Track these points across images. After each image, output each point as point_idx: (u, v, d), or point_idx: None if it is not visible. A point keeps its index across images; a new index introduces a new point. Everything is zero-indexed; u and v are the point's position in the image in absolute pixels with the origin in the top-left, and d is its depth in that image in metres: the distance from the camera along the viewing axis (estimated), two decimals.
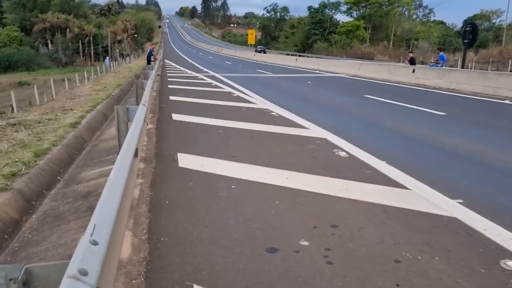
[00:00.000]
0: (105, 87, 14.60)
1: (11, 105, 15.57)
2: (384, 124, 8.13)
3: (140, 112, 4.54)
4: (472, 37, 17.47)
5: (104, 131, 8.07)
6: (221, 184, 4.39)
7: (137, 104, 8.64)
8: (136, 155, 3.44)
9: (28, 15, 77.73)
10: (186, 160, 5.36)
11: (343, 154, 5.64)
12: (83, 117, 8.30)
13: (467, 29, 17.74)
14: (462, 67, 19.27)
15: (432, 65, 18.35)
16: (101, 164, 5.49)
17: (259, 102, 10.79)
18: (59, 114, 8.52)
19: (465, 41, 17.73)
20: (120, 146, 4.18)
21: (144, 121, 4.82)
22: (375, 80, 19.09)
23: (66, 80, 23.02)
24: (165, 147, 6.09)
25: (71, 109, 9.10)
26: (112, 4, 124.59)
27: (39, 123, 7.46)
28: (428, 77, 16.72)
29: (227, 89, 14.07)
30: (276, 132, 7.05)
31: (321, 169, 4.94)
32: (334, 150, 5.82)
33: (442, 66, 17.68)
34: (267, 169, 4.92)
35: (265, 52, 56.48)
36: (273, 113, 9.03)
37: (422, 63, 46.96)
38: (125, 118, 4.94)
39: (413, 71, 17.65)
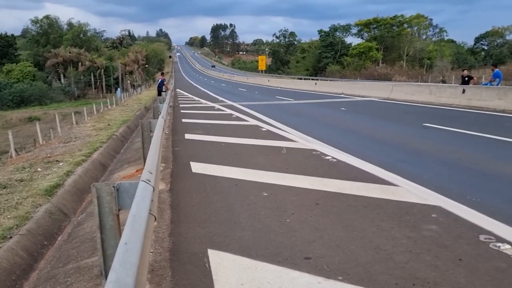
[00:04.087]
0: (108, 124, 12.46)
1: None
2: (493, 169, 5.67)
3: (141, 203, 2.20)
4: None
5: None
6: None
7: (143, 159, 6.32)
8: None
9: (41, 51, 78.26)
10: (230, 271, 2.98)
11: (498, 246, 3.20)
12: (70, 173, 6.03)
13: None
14: None
15: (486, 84, 15.86)
16: (79, 275, 3.14)
17: (300, 139, 8.43)
18: (39, 169, 6.27)
19: None
20: None
21: (150, 213, 2.47)
22: (415, 103, 16.69)
23: (73, 114, 21.23)
24: (186, 239, 3.71)
25: (57, 160, 6.85)
26: (123, 37, 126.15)
27: (4, 188, 5.20)
28: (484, 97, 14.23)
29: (252, 121, 11.79)
30: (353, 195, 4.64)
31: None
32: (480, 238, 3.37)
33: (497, 84, 15.21)
34: None
35: (213, 66, 55.27)
36: (327, 157, 6.64)
37: (443, 82, 44.69)
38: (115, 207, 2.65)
39: (463, 91, 15.20)
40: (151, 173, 2.87)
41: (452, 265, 2.93)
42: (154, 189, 2.68)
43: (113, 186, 2.67)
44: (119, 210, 2.74)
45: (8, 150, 18.46)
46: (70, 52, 74.46)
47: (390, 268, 2.93)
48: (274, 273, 2.93)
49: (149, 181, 2.62)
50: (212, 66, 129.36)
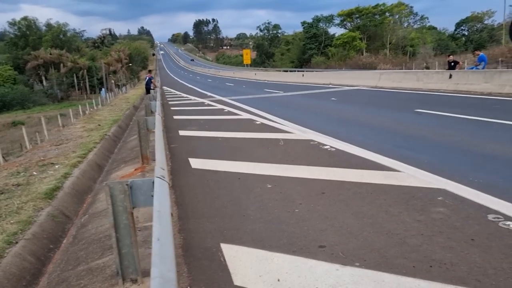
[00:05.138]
0: (99, 124, 12.28)
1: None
2: (490, 150, 5.75)
3: (162, 199, 2.17)
4: None
5: (98, 194, 5.68)
6: None
7: (141, 157, 6.20)
8: None
9: (21, 53, 76.52)
10: (246, 263, 2.97)
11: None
12: (68, 175, 5.92)
13: None
14: None
15: (472, 68, 16.08)
16: (92, 276, 3.10)
17: (295, 131, 8.44)
18: (35, 173, 6.15)
19: None
20: None
21: None
22: (404, 90, 16.85)
23: (59, 117, 20.85)
24: (196, 234, 3.69)
25: (52, 163, 6.73)
26: (104, 37, 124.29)
27: (1, 194, 5.08)
28: (471, 81, 14.42)
29: (245, 115, 11.75)
30: (358, 182, 4.66)
31: None
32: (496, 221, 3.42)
33: (483, 68, 15.43)
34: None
35: (193, 60, 55.80)
36: (326, 147, 6.66)
37: (427, 68, 45.22)
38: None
39: (450, 76, 15.38)
40: (163, 169, 2.83)
41: (466, 246, 2.97)
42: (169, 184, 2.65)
43: (126, 184, 2.64)
44: (133, 208, 2.71)
45: None
46: (50, 54, 73.04)
47: (405, 251, 2.96)
48: (291, 263, 2.93)
49: (164, 177, 2.59)
50: (191, 60, 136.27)
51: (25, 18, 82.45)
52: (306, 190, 4.52)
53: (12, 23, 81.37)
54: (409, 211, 3.69)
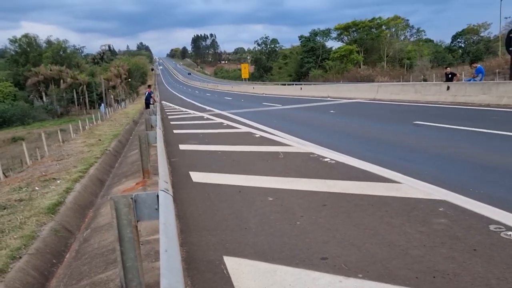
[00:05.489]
0: (99, 139, 12.32)
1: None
2: (489, 161, 5.79)
3: (167, 212, 2.20)
4: None
5: (100, 208, 5.69)
6: None
7: (142, 171, 6.23)
8: None
9: (21, 70, 77.05)
10: (249, 276, 2.97)
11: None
12: (69, 190, 5.94)
13: (511, 35, 15.72)
14: (510, 78, 17.11)
15: (469, 80, 16.23)
16: None
17: (295, 143, 8.48)
18: (37, 188, 6.17)
19: (511, 49, 15.68)
20: None
21: None
22: (402, 102, 16.98)
23: (59, 132, 20.90)
24: (199, 247, 3.69)
25: (54, 178, 6.74)
26: (104, 53, 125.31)
27: (4, 209, 5.09)
28: (469, 93, 14.56)
29: (244, 128, 11.81)
30: (358, 194, 4.69)
31: None
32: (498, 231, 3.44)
33: (481, 80, 15.59)
34: None
35: (189, 74, 56.75)
36: (326, 159, 6.70)
37: (424, 80, 45.60)
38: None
39: (448, 88, 15.52)
40: (167, 182, 2.86)
41: (468, 256, 2.98)
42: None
43: (131, 198, 2.66)
44: (137, 222, 2.73)
45: None
46: (51, 70, 73.52)
47: (408, 263, 2.97)
48: (294, 275, 2.94)
49: (167, 190, 2.62)
50: (188, 74, 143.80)
51: (26, 35, 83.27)
52: (307, 203, 4.54)
53: (13, 40, 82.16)
54: (410, 222, 3.71)
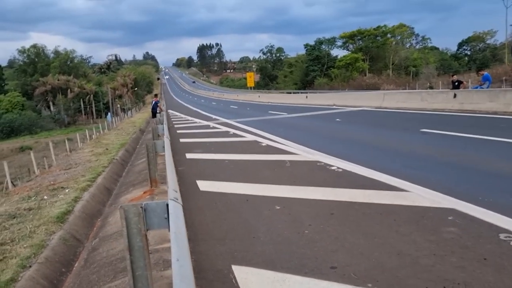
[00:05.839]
0: (107, 149, 12.41)
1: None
2: (497, 169, 5.76)
3: (177, 221, 2.22)
4: None
5: (108, 217, 5.72)
6: None
7: (150, 180, 6.26)
8: None
9: (29, 80, 78.09)
10: (258, 285, 2.97)
11: None
12: (78, 199, 5.98)
13: None
14: None
15: (476, 88, 16.18)
16: None
17: (301, 152, 8.49)
18: (45, 197, 6.22)
19: None
20: None
21: None
22: (408, 110, 16.93)
23: (66, 141, 21.10)
24: (207, 257, 3.70)
25: (62, 187, 6.80)
26: (110, 62, 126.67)
27: (14, 218, 5.14)
28: (476, 100, 14.49)
29: (250, 137, 11.85)
30: (366, 203, 4.67)
31: None
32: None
33: (487, 87, 15.53)
34: None
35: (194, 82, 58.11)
36: (332, 168, 6.69)
37: (430, 88, 45.47)
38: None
39: (455, 96, 15.48)
40: (176, 191, 2.88)
41: (478, 265, 2.96)
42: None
43: (141, 207, 2.68)
44: (146, 230, 2.75)
45: (1, 181, 18.21)
46: (58, 80, 74.43)
47: (417, 272, 2.96)
48: (303, 284, 2.94)
49: (177, 199, 2.64)
50: (192, 82, 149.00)
51: (34, 46, 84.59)
52: (314, 211, 4.54)
53: (22, 51, 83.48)
54: (420, 231, 3.69)
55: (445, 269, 2.95)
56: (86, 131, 22.54)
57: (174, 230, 1.99)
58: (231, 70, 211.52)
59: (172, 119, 24.30)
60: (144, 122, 28.01)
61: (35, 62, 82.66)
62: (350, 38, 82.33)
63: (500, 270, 2.86)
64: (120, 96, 79.46)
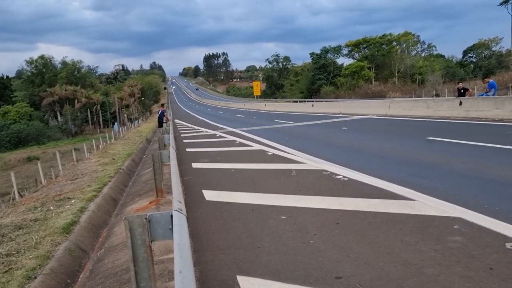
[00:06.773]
0: (113, 158, 12.49)
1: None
2: (504, 177, 5.71)
3: (181, 232, 2.23)
4: None
5: (114, 228, 5.75)
6: None
7: (156, 190, 6.28)
8: None
9: (37, 90, 79.05)
10: None
11: None
12: (84, 209, 6.02)
13: None
14: None
15: (482, 95, 16.10)
16: None
17: (307, 161, 8.48)
18: (51, 208, 6.27)
19: None
20: None
21: None
22: (414, 118, 16.87)
23: (73, 151, 21.26)
24: (212, 267, 3.70)
25: (68, 197, 6.85)
26: (117, 72, 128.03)
27: (20, 229, 5.18)
28: (482, 108, 14.41)
29: (256, 146, 11.87)
30: (372, 212, 4.66)
31: None
32: None
33: (493, 94, 15.45)
34: None
35: (197, 89, 58.96)
36: (338, 177, 6.68)
37: (436, 95, 45.31)
38: None
39: (461, 103, 15.40)
40: (181, 202, 2.90)
41: (485, 275, 2.93)
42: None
43: (145, 218, 2.70)
44: (151, 242, 2.76)
45: (9, 191, 18.38)
46: (65, 90, 75.27)
47: (423, 282, 2.93)
48: None
49: (181, 210, 2.65)
50: (196, 89, 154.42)
51: (42, 57, 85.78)
52: (320, 221, 4.53)
53: (30, 62, 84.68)
54: (425, 241, 3.66)
55: (450, 279, 2.92)
56: (93, 141, 22.73)
57: (177, 241, 2.00)
58: (238, 79, 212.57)
59: (179, 129, 24.42)
60: (150, 131, 28.17)
61: (43, 73, 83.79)
62: (355, 46, 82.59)
63: (507, 280, 2.83)
64: (127, 106, 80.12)
